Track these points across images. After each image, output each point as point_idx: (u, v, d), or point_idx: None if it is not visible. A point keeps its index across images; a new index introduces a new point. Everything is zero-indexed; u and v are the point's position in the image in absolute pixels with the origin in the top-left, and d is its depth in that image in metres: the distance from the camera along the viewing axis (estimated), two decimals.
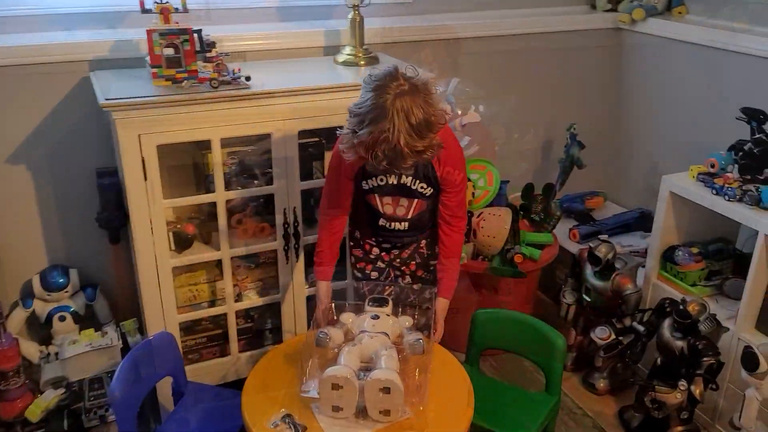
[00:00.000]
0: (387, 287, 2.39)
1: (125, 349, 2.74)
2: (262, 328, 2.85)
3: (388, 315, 2.17)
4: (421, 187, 2.17)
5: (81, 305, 2.81)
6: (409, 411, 1.94)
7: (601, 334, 2.73)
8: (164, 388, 2.46)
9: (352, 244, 2.46)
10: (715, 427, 2.66)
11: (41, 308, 2.77)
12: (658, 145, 3.50)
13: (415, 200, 2.20)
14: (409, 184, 2.16)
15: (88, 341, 2.70)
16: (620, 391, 2.93)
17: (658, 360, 2.61)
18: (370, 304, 2.20)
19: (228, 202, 2.55)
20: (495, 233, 2.86)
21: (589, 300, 2.86)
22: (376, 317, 2.14)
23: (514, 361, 3.07)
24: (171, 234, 2.56)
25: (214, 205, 2.53)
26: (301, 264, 2.71)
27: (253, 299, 2.73)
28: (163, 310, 2.54)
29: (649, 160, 3.56)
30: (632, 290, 2.71)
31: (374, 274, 2.41)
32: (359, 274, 2.44)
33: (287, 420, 1.92)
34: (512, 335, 2.47)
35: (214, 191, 2.50)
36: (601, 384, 2.91)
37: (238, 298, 2.74)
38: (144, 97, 2.23)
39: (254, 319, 2.83)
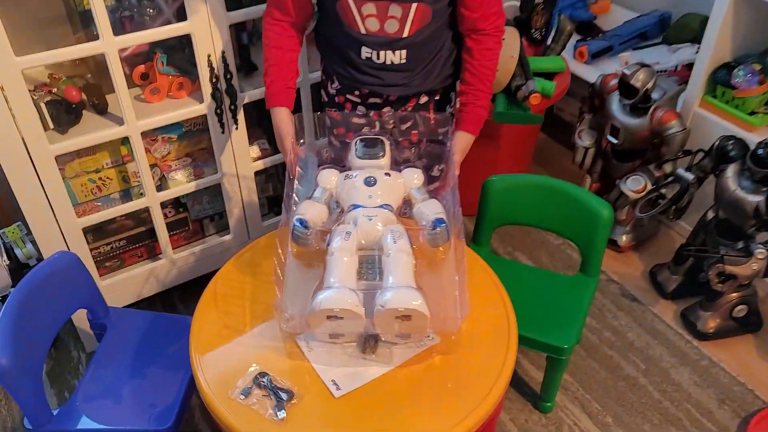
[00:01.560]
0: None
1: (17, 265, 2.03)
2: (200, 217, 2.16)
3: (388, 174, 1.47)
4: None
5: None
6: (434, 335, 1.38)
7: (635, 186, 2.17)
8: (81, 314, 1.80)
9: (326, 100, 1.72)
10: (765, 281, 2.25)
11: None
12: None
13: (414, 5, 1.45)
14: None
15: None
16: (644, 246, 2.46)
17: (708, 213, 2.09)
18: (360, 149, 1.51)
19: (123, 50, 1.71)
20: (499, 65, 2.13)
21: (616, 142, 2.25)
22: (371, 182, 1.45)
23: (521, 231, 2.51)
24: (44, 106, 1.73)
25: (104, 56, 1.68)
26: (242, 131, 1.96)
27: (181, 183, 2.00)
28: (55, 215, 1.79)
29: None
30: (678, 128, 2.11)
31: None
32: (336, 143, 1.73)
33: (263, 383, 1.32)
34: (538, 206, 1.88)
35: (97, 37, 1.65)
36: (624, 239, 2.42)
37: (161, 183, 2.00)
38: None
39: (188, 207, 2.12)
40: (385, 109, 1.63)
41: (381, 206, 1.41)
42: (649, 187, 2.16)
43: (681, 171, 2.09)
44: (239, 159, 1.99)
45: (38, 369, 1.52)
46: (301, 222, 1.38)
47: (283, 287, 1.37)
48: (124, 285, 2.03)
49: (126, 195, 1.98)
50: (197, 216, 2.14)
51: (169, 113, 1.83)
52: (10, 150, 1.63)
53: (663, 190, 2.10)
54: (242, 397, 1.30)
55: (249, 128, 1.99)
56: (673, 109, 2.17)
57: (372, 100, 1.62)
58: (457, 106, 1.64)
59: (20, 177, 1.68)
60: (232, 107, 1.88)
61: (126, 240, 2.04)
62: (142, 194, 1.95)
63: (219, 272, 1.58)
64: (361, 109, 1.65)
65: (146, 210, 1.97)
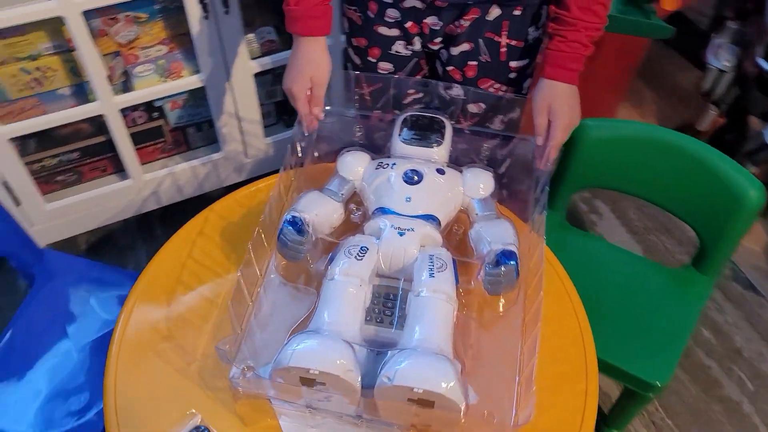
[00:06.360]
0: (414, 92, 1.14)
1: None
2: (181, 125, 1.63)
3: (441, 171, 0.97)
4: None
5: None
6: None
7: None
8: None
9: None
10: None
11: None
12: None
13: None
14: None
15: None
16: None
17: None
18: (407, 131, 1.01)
19: None
20: None
21: None
22: (414, 179, 0.94)
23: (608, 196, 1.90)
24: None
25: None
26: (235, 16, 1.37)
27: (150, 81, 1.45)
28: None
29: None
30: None
31: (386, 67, 1.12)
32: (357, 60, 1.15)
33: None
34: (646, 169, 1.29)
35: None
36: None
37: (126, 79, 1.46)
38: None
39: (165, 111, 1.59)
40: (430, 20, 1.03)
41: (422, 216, 0.91)
42: None
43: None
44: (231, 56, 1.43)
45: None
46: (295, 223, 0.87)
47: (248, 320, 0.89)
48: (80, 209, 1.56)
49: (80, 92, 1.46)
50: (178, 123, 1.61)
51: None
52: None
53: None
54: None
55: (246, 10, 1.40)
56: None
57: (410, 2, 1.01)
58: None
59: None
60: None
61: (79, 152, 1.54)
62: None
63: (186, 228, 1.09)
64: (392, 13, 1.04)
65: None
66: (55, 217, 1.53)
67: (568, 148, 1.30)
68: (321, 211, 0.95)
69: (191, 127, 1.63)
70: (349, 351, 0.77)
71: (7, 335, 1.22)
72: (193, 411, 0.89)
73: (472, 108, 1.10)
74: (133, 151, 1.50)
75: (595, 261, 1.34)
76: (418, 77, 1.14)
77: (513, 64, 1.05)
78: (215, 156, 1.62)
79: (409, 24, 1.04)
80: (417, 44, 1.07)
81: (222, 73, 1.45)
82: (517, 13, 1.00)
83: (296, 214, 0.90)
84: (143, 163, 1.57)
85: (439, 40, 1.05)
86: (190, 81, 1.44)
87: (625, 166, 1.30)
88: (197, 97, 1.57)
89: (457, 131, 1.07)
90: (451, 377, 0.75)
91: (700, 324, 1.63)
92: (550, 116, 0.99)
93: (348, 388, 0.77)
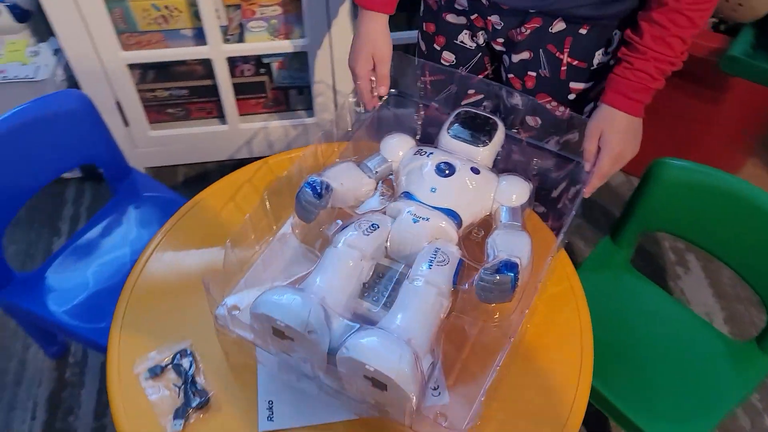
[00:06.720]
0: (475, 93, 1.13)
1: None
2: (284, 85, 1.71)
3: (476, 170, 0.95)
4: None
5: None
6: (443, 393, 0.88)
7: None
8: None
9: None
10: None
11: None
12: None
13: None
14: None
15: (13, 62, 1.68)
16: None
17: None
18: (456, 128, 1.01)
19: None
20: None
21: None
22: (445, 171, 0.94)
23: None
24: None
25: None
26: None
27: (259, 38, 1.54)
28: (93, 42, 1.46)
29: None
30: None
31: (449, 57, 1.12)
32: (423, 46, 1.16)
33: (182, 367, 0.92)
34: (722, 226, 1.18)
35: None
36: None
37: (242, 31, 1.56)
38: None
39: (271, 69, 1.68)
40: (493, 18, 1.01)
41: (442, 210, 0.91)
42: None
43: None
44: (336, 28, 1.48)
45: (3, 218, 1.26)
46: (315, 187, 0.90)
47: (251, 265, 0.94)
48: (179, 141, 1.70)
49: (200, 35, 1.58)
50: (281, 84, 1.70)
51: None
52: None
53: None
54: (147, 376, 0.92)
55: None
56: None
57: None
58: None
59: None
60: None
61: (188, 90, 1.67)
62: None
63: (236, 174, 1.16)
64: (461, 0, 1.03)
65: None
66: (157, 143, 1.67)
67: (642, 182, 1.22)
68: (348, 182, 0.97)
69: (293, 89, 1.71)
70: (320, 314, 0.79)
71: (83, 237, 1.37)
72: (186, 336, 0.95)
73: (530, 120, 1.07)
74: (233, 98, 1.61)
75: (645, 311, 1.25)
76: (480, 77, 1.12)
77: (573, 85, 1.01)
78: (308, 121, 1.69)
79: (474, 16, 1.03)
80: (481, 38, 1.06)
81: (325, 42, 1.51)
82: (583, 31, 0.95)
83: (318, 178, 0.94)
84: (244, 114, 1.68)
85: (501, 40, 1.03)
86: (293, 44, 1.52)
87: (704, 217, 1.20)
88: (303, 62, 1.65)
89: (515, 140, 1.05)
90: (406, 365, 0.74)
91: (764, 409, 1.47)
92: (600, 143, 0.94)
93: (312, 349, 0.79)
